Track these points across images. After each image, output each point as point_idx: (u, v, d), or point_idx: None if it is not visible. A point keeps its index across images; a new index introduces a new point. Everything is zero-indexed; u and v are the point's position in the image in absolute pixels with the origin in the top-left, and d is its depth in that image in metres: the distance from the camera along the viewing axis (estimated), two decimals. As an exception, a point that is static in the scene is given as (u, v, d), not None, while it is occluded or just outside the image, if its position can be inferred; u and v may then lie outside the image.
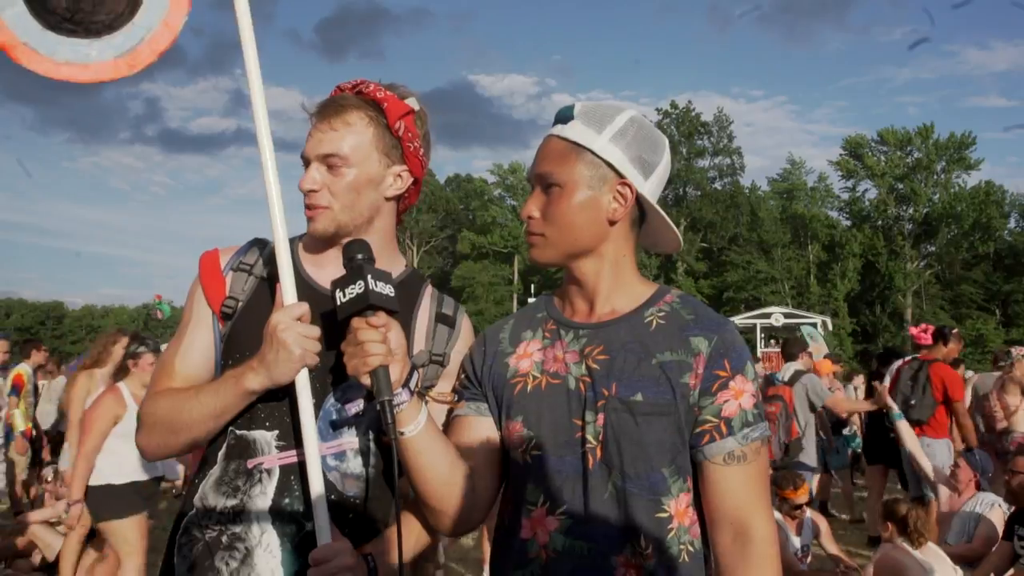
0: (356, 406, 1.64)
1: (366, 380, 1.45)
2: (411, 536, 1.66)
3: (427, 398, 1.53)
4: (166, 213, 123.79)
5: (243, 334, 1.63)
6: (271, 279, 1.68)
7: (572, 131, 1.57)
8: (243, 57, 1.60)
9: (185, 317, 1.72)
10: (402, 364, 1.48)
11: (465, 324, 1.82)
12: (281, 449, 1.60)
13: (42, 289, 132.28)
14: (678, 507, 1.50)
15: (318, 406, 1.62)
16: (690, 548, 1.50)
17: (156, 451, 1.68)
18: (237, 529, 1.58)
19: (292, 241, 1.75)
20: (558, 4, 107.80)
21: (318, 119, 1.65)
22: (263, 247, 1.74)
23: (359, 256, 1.52)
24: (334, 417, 1.64)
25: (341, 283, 1.49)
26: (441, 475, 1.55)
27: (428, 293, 1.81)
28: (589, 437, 1.50)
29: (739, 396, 1.50)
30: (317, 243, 1.73)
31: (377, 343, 1.44)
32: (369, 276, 1.46)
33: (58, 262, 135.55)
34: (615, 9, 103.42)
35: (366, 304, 1.45)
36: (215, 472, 1.62)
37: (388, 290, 1.48)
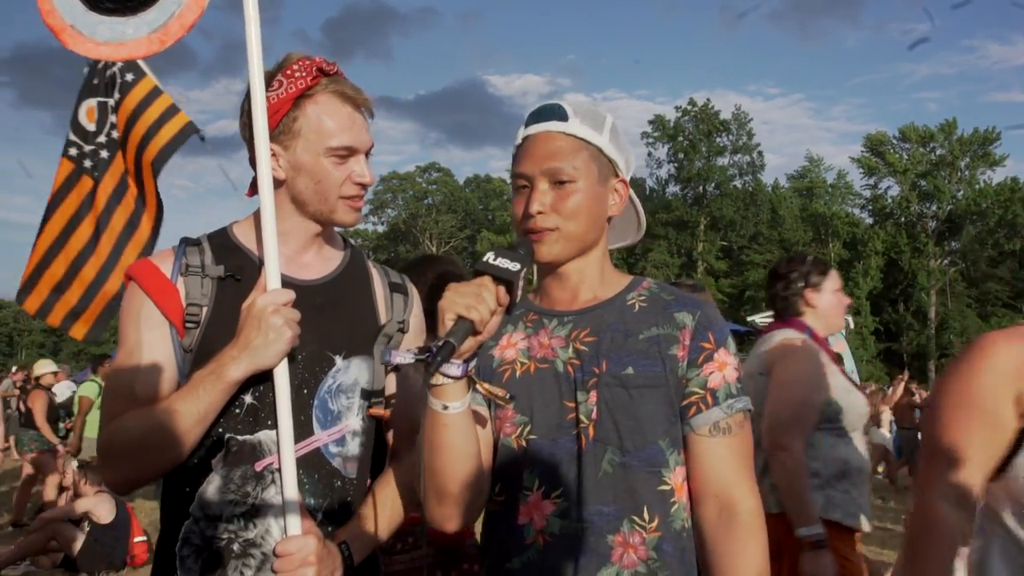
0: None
1: (449, 319, 1.37)
2: (386, 511, 1.67)
3: (477, 386, 1.49)
4: (186, 216, 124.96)
5: (218, 340, 1.56)
6: (232, 277, 1.62)
7: (575, 128, 1.58)
8: (247, 53, 1.60)
9: (130, 337, 1.59)
10: (474, 344, 1.41)
11: (414, 290, 1.85)
12: None
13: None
14: (676, 480, 1.52)
15: (312, 395, 1.62)
16: (687, 523, 1.52)
17: (132, 480, 1.61)
18: (251, 535, 1.56)
19: (231, 226, 1.73)
20: (570, 4, 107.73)
21: (354, 107, 1.65)
22: (198, 244, 1.66)
23: (524, 252, 1.48)
24: (330, 404, 1.64)
25: (503, 251, 1.45)
26: (468, 461, 1.51)
27: (372, 266, 1.82)
28: (582, 417, 1.52)
29: (723, 368, 1.54)
30: (260, 228, 1.67)
31: (487, 307, 1.38)
32: (525, 269, 1.46)
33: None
34: (628, 8, 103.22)
35: (507, 279, 1.42)
36: (215, 480, 1.57)
37: (520, 294, 1.45)
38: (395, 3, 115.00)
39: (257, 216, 1.68)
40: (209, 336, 1.58)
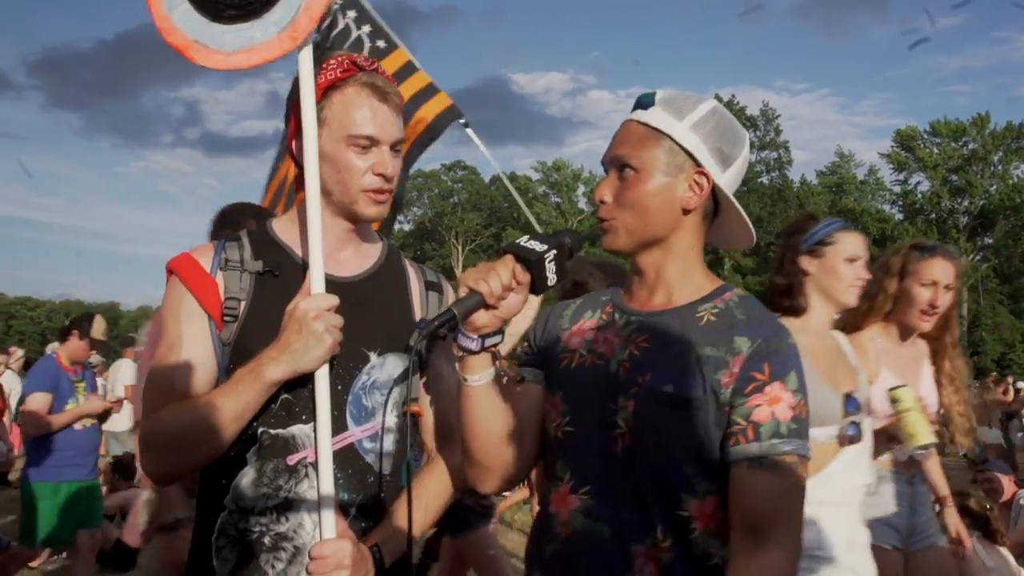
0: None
1: (462, 291, 1.45)
2: (419, 512, 1.65)
3: (498, 362, 1.53)
4: (213, 214, 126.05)
5: (255, 335, 1.58)
6: (270, 272, 1.65)
7: (652, 116, 1.55)
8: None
9: (172, 330, 1.62)
10: (493, 320, 1.46)
11: (449, 288, 1.86)
12: None
13: (95, 291, 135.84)
14: (704, 509, 1.45)
15: (346, 391, 1.64)
16: (722, 554, 1.46)
17: (168, 473, 1.66)
18: (283, 528, 1.58)
19: (271, 222, 1.76)
20: (593, 0, 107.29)
21: (380, 99, 1.65)
22: (238, 240, 1.69)
23: (568, 241, 1.51)
24: (364, 400, 1.66)
25: (538, 235, 1.50)
26: (493, 432, 1.55)
27: (408, 264, 1.84)
28: (620, 422, 1.49)
29: (774, 403, 1.43)
30: (299, 225, 1.70)
31: (498, 282, 1.43)
32: (554, 252, 1.47)
33: (110, 264, 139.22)
34: (652, 4, 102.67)
35: (527, 258, 1.46)
36: (249, 472, 1.59)
37: (552, 278, 1.48)
38: (416, 2, 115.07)
39: (297, 213, 1.72)
40: (246, 330, 1.60)
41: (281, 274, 1.65)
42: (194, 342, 1.60)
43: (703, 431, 1.45)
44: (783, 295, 2.78)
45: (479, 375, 1.50)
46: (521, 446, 1.61)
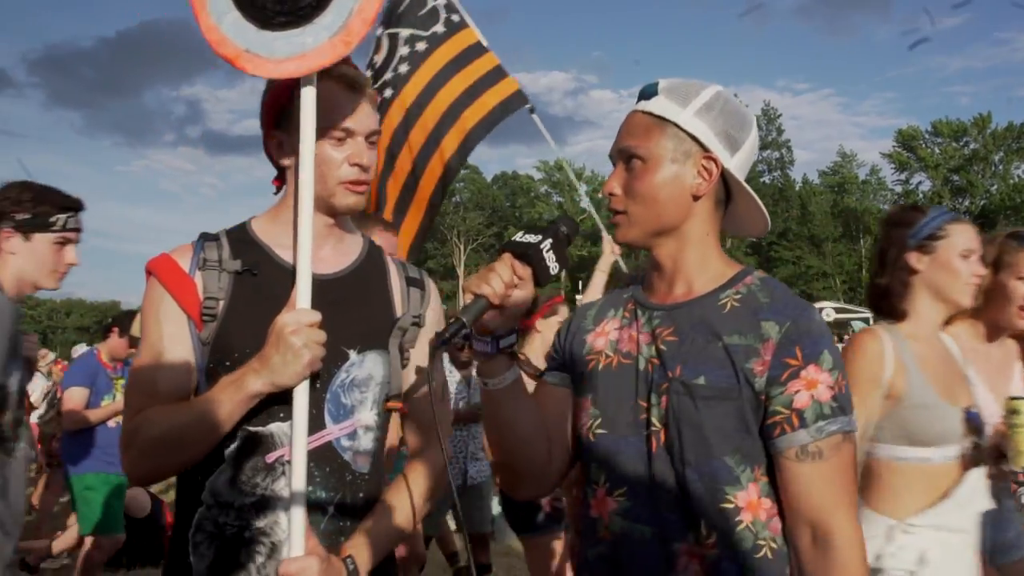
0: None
1: (468, 297, 1.43)
2: (398, 517, 1.67)
3: (518, 362, 1.52)
4: (214, 213, 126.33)
5: (234, 334, 1.58)
6: (249, 271, 1.64)
7: (656, 105, 1.53)
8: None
9: (152, 331, 1.61)
10: (504, 321, 1.44)
11: (431, 285, 1.85)
12: None
13: (97, 290, 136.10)
14: (749, 499, 1.42)
15: (325, 389, 1.63)
16: (772, 545, 1.42)
17: (150, 475, 1.65)
18: (261, 524, 1.57)
19: (249, 221, 1.74)
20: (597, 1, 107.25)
21: (357, 92, 1.65)
22: (217, 240, 1.68)
23: (564, 229, 1.49)
24: (343, 398, 1.65)
25: (530, 228, 1.49)
26: (519, 436, 1.54)
27: (391, 260, 1.83)
28: (654, 420, 1.47)
29: (812, 387, 1.40)
30: (284, 223, 1.69)
31: (499, 280, 1.40)
32: (549, 240, 1.45)
33: (112, 263, 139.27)
34: (653, 4, 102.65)
35: (523, 251, 1.44)
36: (227, 470, 1.58)
37: (554, 267, 1.46)
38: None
39: (275, 211, 1.72)
40: (225, 329, 1.60)
41: (260, 273, 1.64)
42: (174, 343, 1.60)
43: (740, 421, 1.42)
44: (887, 297, 2.48)
45: (498, 378, 1.49)
46: (551, 450, 1.60)
